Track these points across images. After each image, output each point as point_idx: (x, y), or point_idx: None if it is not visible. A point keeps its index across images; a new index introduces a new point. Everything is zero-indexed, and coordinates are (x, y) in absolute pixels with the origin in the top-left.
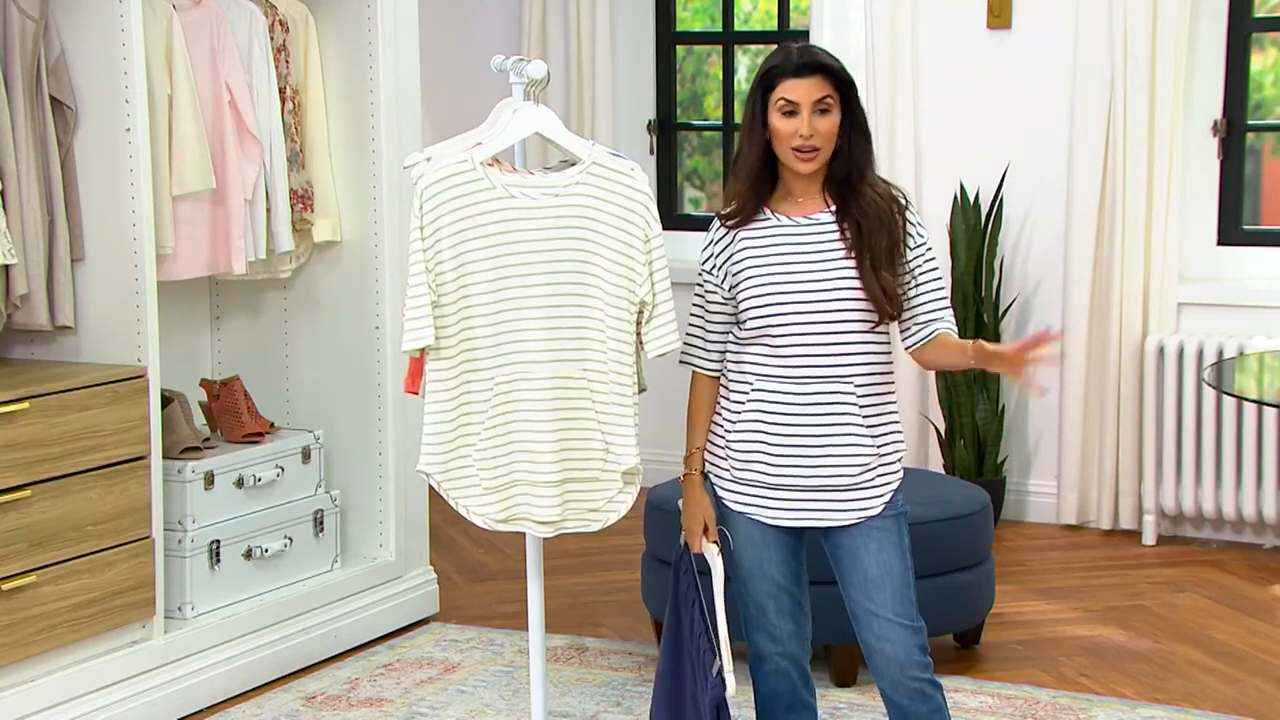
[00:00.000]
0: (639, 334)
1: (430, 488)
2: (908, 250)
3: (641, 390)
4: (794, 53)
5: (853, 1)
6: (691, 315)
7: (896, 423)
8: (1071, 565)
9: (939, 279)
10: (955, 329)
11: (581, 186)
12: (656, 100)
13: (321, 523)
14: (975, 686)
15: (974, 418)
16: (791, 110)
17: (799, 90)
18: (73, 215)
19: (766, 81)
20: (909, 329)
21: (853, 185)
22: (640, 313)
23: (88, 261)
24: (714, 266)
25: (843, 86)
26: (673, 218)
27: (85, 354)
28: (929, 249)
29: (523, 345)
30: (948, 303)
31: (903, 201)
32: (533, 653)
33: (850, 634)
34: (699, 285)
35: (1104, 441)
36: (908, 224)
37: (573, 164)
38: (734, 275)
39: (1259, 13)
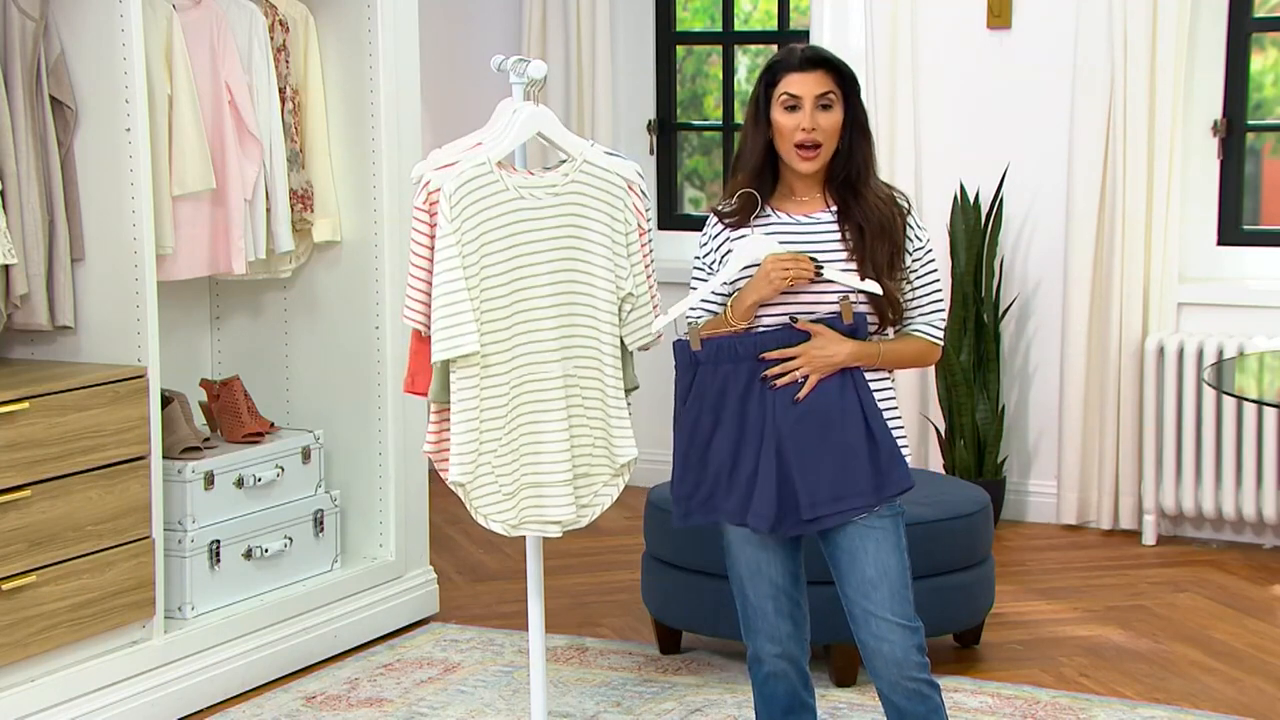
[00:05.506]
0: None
1: (430, 487)
2: (907, 255)
3: (634, 389)
4: (798, 50)
5: (853, 2)
6: (690, 311)
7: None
8: (1071, 565)
9: (935, 285)
10: (932, 334)
11: (574, 185)
12: (656, 100)
13: (321, 523)
14: (975, 686)
15: (974, 418)
16: (794, 105)
17: (802, 85)
18: (73, 215)
19: (770, 76)
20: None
21: (854, 187)
22: (621, 306)
23: (88, 261)
24: (713, 263)
25: (845, 84)
26: (673, 218)
27: (85, 354)
28: (928, 254)
29: (535, 346)
30: (938, 308)
31: (904, 205)
32: (533, 653)
33: (850, 634)
34: (695, 281)
35: (1104, 441)
36: (908, 228)
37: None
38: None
39: (1259, 13)
